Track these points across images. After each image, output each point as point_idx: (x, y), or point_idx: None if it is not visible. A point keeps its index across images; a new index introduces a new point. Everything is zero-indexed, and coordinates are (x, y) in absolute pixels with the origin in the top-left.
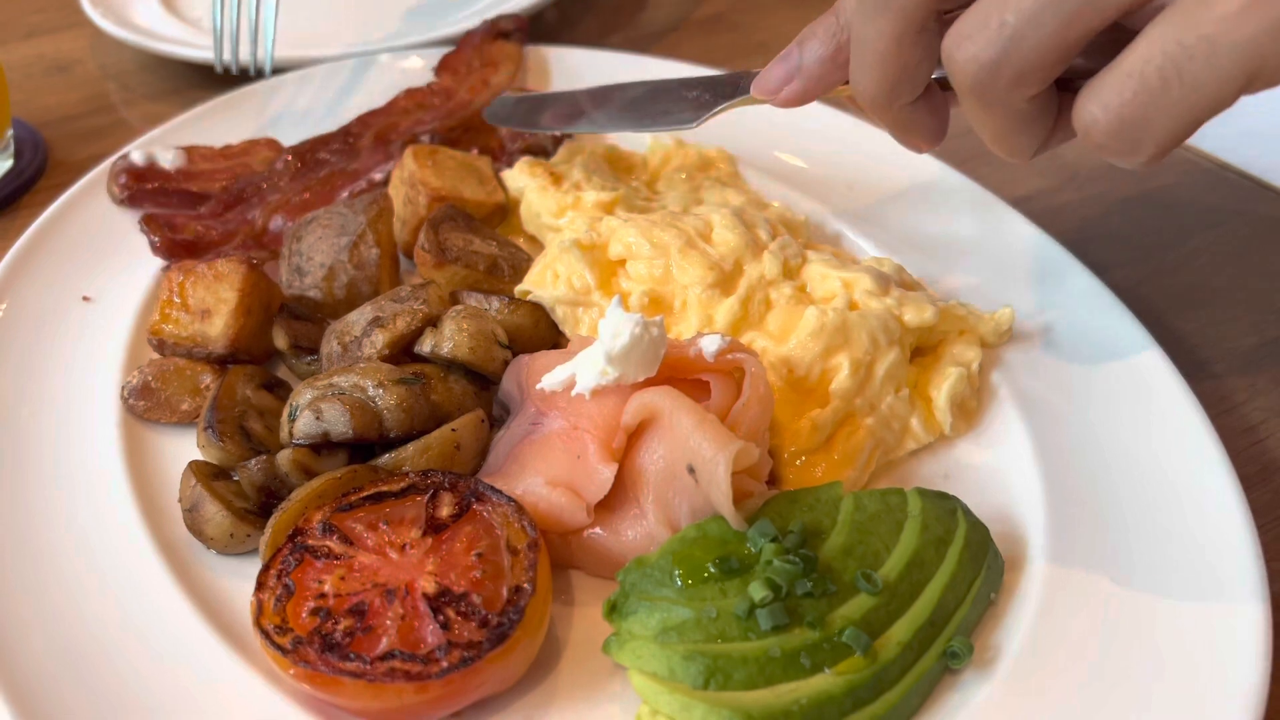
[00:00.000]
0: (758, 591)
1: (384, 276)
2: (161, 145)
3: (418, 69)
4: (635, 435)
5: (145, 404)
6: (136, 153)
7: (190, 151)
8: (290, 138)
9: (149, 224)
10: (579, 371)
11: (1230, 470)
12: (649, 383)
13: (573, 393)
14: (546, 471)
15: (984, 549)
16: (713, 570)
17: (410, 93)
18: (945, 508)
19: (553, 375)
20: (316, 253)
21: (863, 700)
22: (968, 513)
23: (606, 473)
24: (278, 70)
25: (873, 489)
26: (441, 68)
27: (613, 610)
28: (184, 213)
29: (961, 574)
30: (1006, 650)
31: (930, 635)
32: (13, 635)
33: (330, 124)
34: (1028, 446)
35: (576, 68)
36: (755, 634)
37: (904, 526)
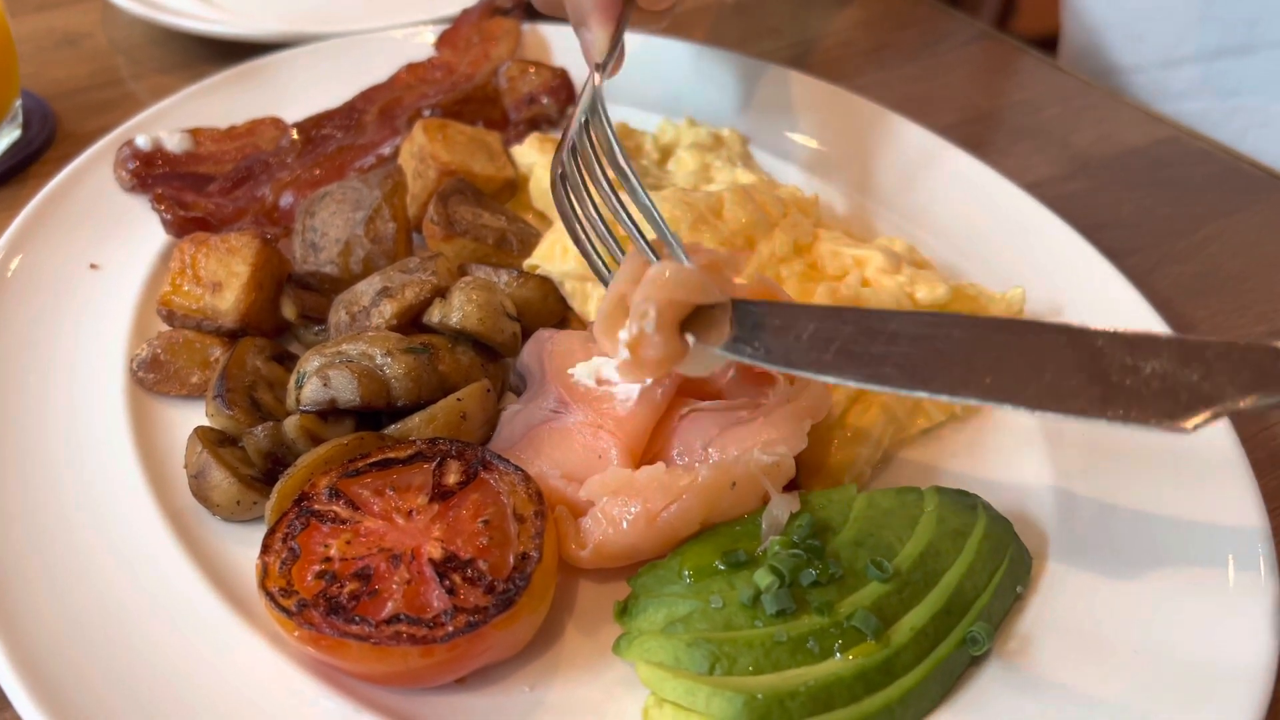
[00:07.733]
0: (763, 579)
1: (400, 251)
2: (165, 125)
3: (417, 45)
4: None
5: (154, 376)
6: (142, 138)
7: (196, 134)
8: (292, 114)
9: (160, 201)
10: (606, 370)
11: (1242, 456)
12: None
13: (616, 405)
14: (563, 463)
15: (1006, 541)
16: (720, 567)
17: (412, 67)
18: (964, 504)
19: (586, 366)
20: (331, 228)
21: (875, 685)
22: (988, 508)
23: None
24: (278, 46)
25: (888, 488)
26: (441, 43)
27: (623, 613)
28: (194, 191)
29: (980, 564)
30: (1029, 640)
31: (948, 623)
32: (20, 601)
33: (332, 100)
34: (1037, 428)
35: (577, 45)
36: (762, 621)
37: (919, 521)
